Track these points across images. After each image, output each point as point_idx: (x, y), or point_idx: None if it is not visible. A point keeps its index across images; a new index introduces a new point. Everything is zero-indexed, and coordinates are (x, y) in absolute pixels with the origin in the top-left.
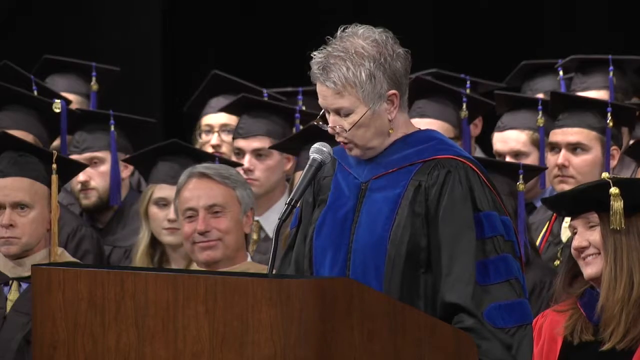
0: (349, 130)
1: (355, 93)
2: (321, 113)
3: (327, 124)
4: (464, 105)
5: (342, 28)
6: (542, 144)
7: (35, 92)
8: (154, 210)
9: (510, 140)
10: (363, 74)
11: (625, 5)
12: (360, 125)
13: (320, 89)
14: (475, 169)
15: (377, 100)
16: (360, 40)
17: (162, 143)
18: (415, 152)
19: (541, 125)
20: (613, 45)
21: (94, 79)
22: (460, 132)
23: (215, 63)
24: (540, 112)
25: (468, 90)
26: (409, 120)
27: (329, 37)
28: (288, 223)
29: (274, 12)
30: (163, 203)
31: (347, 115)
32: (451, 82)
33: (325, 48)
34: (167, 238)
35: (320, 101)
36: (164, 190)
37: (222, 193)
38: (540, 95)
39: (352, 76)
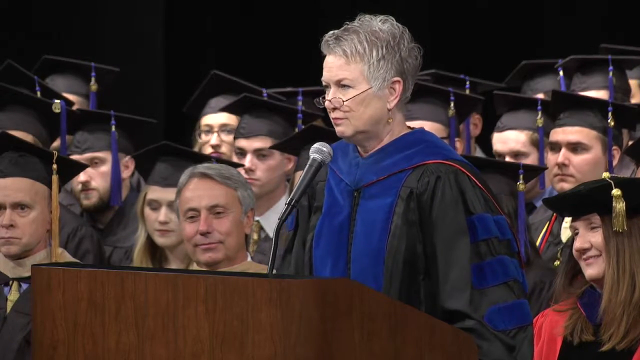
0: (346, 102)
1: (362, 67)
2: (319, 107)
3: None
4: (452, 104)
5: (360, 15)
6: (541, 144)
7: (39, 93)
8: (147, 211)
9: (509, 140)
10: (374, 52)
11: (625, 5)
12: (358, 101)
13: (327, 60)
14: (465, 171)
15: (381, 83)
16: (379, 23)
17: (153, 145)
18: (404, 157)
19: (540, 125)
20: (613, 45)
21: (93, 79)
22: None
23: (216, 63)
24: (540, 112)
25: (467, 91)
26: (404, 123)
27: (347, 22)
28: (288, 223)
29: (274, 12)
30: (154, 206)
31: (348, 88)
32: (450, 83)
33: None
34: (159, 240)
35: (325, 74)
36: (155, 192)
37: (223, 193)
38: (540, 95)
39: (363, 51)
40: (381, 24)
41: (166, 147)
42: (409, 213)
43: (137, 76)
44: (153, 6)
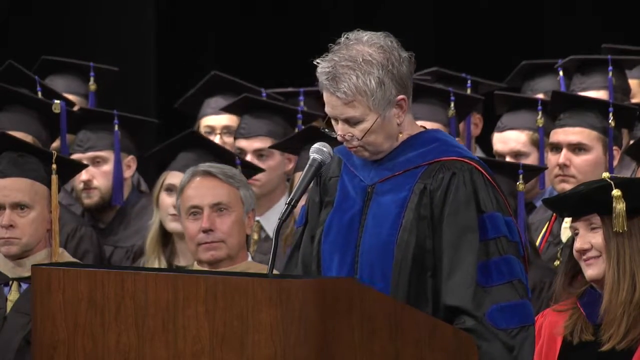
0: (362, 138)
1: (366, 102)
2: (326, 119)
3: (333, 130)
4: (452, 104)
5: (345, 35)
6: (541, 144)
7: (39, 93)
8: (163, 196)
9: (510, 140)
10: (373, 81)
11: (625, 5)
12: (371, 132)
13: (329, 98)
14: (480, 169)
15: (387, 106)
16: (366, 48)
17: (180, 135)
18: (420, 154)
19: (541, 125)
20: (613, 45)
21: (92, 79)
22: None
23: (213, 62)
24: (540, 112)
25: (468, 90)
26: (413, 121)
27: (331, 44)
28: (288, 223)
29: (274, 11)
30: (171, 189)
31: (357, 123)
32: (452, 82)
33: (329, 56)
34: (170, 224)
35: (329, 110)
36: (174, 177)
37: (226, 192)
38: (540, 95)
39: (363, 85)
40: (368, 48)
41: (192, 135)
42: (421, 208)
43: (131, 76)
44: (147, 6)
